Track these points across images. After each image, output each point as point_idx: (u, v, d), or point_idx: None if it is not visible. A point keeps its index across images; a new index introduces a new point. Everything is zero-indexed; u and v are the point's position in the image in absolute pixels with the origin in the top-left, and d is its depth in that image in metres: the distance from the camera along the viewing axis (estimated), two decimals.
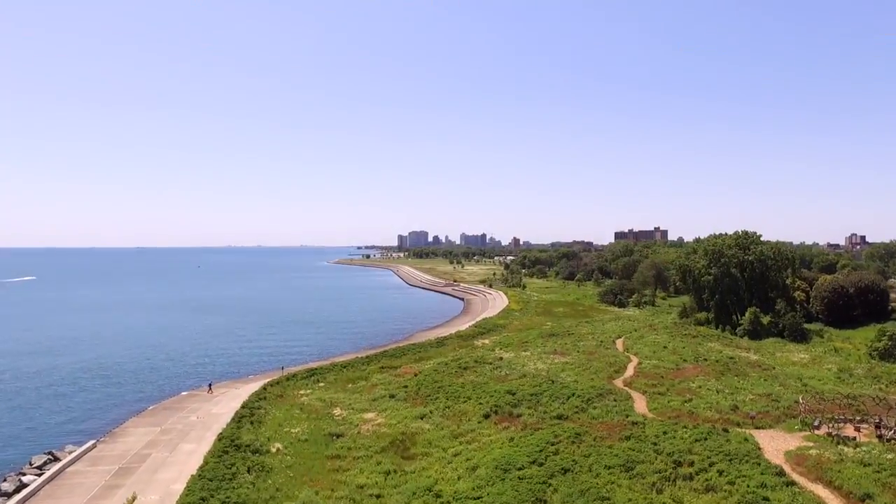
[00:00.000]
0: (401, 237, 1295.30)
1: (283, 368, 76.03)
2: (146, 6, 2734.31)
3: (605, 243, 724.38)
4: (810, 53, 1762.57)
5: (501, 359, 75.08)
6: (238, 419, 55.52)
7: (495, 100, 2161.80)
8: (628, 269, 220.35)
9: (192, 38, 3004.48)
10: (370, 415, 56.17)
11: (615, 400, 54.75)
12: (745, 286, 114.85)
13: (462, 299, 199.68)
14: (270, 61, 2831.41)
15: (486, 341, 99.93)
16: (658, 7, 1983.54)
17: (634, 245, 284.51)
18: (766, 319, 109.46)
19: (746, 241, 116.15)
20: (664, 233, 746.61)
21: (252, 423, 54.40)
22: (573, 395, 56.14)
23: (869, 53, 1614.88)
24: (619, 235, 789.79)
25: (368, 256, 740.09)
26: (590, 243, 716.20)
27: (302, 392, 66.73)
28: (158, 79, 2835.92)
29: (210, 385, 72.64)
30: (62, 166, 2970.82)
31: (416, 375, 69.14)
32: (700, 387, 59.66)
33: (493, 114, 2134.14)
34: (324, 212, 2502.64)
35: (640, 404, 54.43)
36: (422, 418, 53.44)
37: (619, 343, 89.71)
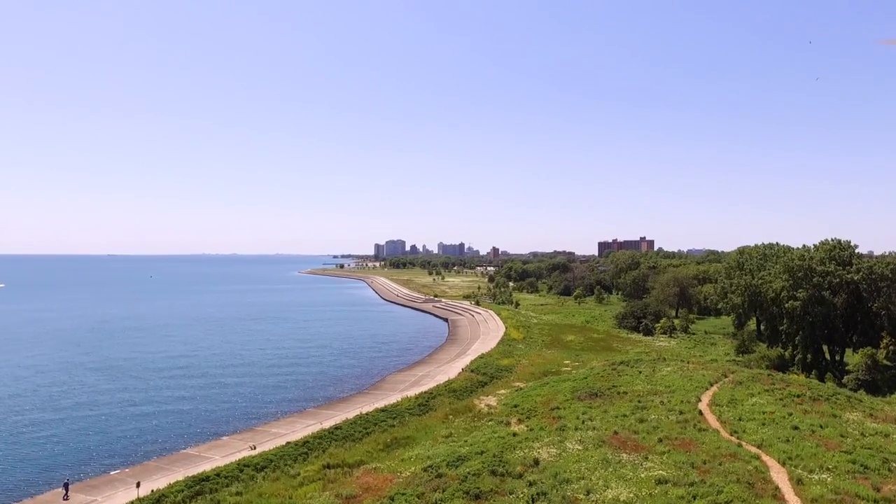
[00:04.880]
0: (377, 246, 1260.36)
1: (138, 485, 41.24)
2: (124, 8, 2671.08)
3: (588, 253, 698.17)
4: (790, 67, 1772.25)
5: (537, 463, 41.49)
6: None
7: (474, 110, 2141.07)
8: (638, 285, 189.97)
9: (173, 44, 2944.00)
10: None
11: None
12: (840, 315, 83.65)
13: (446, 320, 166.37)
14: (252, 70, 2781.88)
15: (492, 401, 66.74)
16: (640, 21, 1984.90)
17: (640, 256, 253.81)
18: (882, 361, 78.59)
19: (843, 254, 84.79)
20: (650, 243, 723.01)
21: None
22: None
23: (854, 66, 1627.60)
24: (602, 246, 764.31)
25: (343, 266, 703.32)
26: (572, 253, 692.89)
27: None
28: (138, 84, 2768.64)
29: (66, 486, 41.78)
30: (44, 172, 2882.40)
31: None
32: None
33: (471, 124, 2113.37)
34: (301, 220, 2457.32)
35: None
36: None
37: (705, 409, 56.92)
